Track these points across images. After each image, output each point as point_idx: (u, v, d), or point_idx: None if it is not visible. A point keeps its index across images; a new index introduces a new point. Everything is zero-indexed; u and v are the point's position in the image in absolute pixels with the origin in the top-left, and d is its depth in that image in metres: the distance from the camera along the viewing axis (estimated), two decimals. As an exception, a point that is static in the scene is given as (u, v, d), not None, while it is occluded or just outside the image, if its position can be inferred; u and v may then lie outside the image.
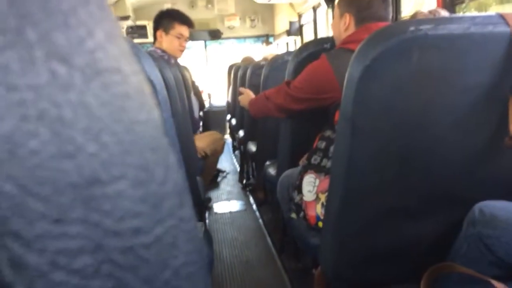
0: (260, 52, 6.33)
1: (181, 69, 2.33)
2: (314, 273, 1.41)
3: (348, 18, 1.44)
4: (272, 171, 2.13)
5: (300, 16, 5.79)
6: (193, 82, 3.19)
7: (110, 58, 0.18)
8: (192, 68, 3.65)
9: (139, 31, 5.96)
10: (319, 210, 1.26)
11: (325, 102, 1.39)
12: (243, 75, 3.22)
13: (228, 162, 4.63)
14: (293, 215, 1.36)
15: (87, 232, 0.17)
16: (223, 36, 6.66)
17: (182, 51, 2.50)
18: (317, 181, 1.29)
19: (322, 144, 1.34)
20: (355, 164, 0.94)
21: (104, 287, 0.18)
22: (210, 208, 3.19)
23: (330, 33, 1.61)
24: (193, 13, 2.49)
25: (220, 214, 3.09)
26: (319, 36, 5.02)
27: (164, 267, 0.21)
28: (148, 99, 0.20)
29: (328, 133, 1.34)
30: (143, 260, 0.20)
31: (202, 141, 2.55)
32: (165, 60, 2.23)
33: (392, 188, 0.97)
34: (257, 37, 7.05)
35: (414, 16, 1.55)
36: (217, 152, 2.79)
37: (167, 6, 2.62)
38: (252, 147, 2.88)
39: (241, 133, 3.44)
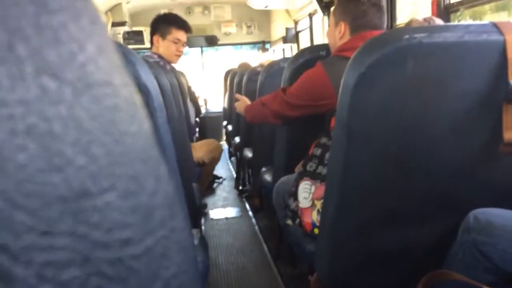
0: (256, 59, 6.34)
1: (177, 75, 2.33)
2: (310, 280, 1.41)
3: (343, 27, 1.45)
4: (268, 177, 2.12)
5: (296, 23, 5.81)
6: (189, 88, 3.19)
7: (101, 71, 0.18)
8: (188, 74, 3.65)
9: (136, 37, 5.96)
10: (314, 217, 1.26)
11: (321, 109, 1.39)
12: (240, 81, 3.22)
13: (224, 169, 4.62)
14: (289, 222, 1.36)
15: (75, 244, 0.17)
16: (219, 42, 6.66)
17: (179, 56, 2.47)
18: (313, 188, 1.29)
19: (318, 151, 1.34)
20: (350, 170, 0.94)
21: None
22: (206, 214, 3.18)
23: (326, 40, 1.62)
24: (190, 19, 2.48)
25: (216, 220, 3.08)
26: (315, 43, 5.04)
27: (155, 278, 0.20)
28: (139, 110, 0.20)
29: (323, 140, 1.34)
30: (133, 271, 0.19)
31: (200, 150, 2.53)
32: (161, 66, 2.22)
33: (387, 194, 0.97)
34: (254, 44, 7.07)
35: (409, 23, 1.57)
36: (215, 160, 2.79)
37: (163, 11, 2.61)
38: (248, 154, 2.88)
39: (237, 139, 3.44)
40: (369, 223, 1.00)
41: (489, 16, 2.28)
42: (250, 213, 3.16)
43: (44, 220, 0.16)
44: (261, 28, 6.94)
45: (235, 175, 4.08)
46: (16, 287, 0.16)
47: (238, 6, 6.51)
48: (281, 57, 6.14)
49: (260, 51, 6.87)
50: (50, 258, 0.17)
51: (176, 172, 0.96)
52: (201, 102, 4.95)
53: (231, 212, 3.23)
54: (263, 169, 2.29)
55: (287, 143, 1.78)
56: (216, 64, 7.13)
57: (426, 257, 1.05)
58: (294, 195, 1.35)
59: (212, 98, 6.50)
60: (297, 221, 1.32)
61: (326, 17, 4.23)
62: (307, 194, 1.30)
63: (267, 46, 6.92)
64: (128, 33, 5.88)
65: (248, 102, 1.95)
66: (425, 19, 1.51)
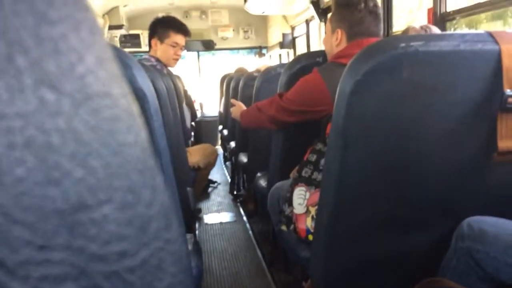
0: (253, 64, 6.35)
1: (173, 78, 2.32)
2: (304, 286, 1.41)
3: (340, 34, 1.46)
4: (263, 182, 2.12)
5: (293, 28, 5.83)
6: (185, 92, 3.18)
7: (100, 82, 0.18)
8: (185, 78, 3.65)
9: (133, 40, 5.96)
10: (309, 223, 1.26)
11: (318, 114, 1.40)
12: (236, 86, 3.23)
13: (219, 173, 4.62)
14: (284, 227, 1.36)
15: (72, 258, 0.17)
16: (216, 46, 6.68)
17: (176, 60, 2.44)
18: (308, 194, 1.29)
19: (313, 157, 1.34)
20: (345, 177, 0.94)
21: None
22: (200, 219, 3.17)
23: (322, 47, 1.62)
24: (187, 24, 2.47)
25: (210, 225, 3.07)
26: (311, 49, 5.06)
27: None
28: (137, 120, 0.20)
29: (319, 146, 1.35)
30: (128, 284, 0.19)
31: (196, 154, 2.52)
32: (158, 69, 2.21)
33: (382, 201, 0.97)
34: (250, 49, 7.09)
35: (406, 31, 1.58)
36: (210, 165, 2.78)
37: (161, 15, 2.60)
38: (244, 158, 2.87)
39: (232, 144, 3.44)
40: (364, 230, 1.00)
41: (485, 25, 2.30)
42: (245, 218, 3.15)
43: (41, 234, 0.16)
44: (258, 33, 6.96)
45: (230, 180, 4.07)
46: None
47: (235, 11, 6.53)
48: (278, 62, 6.16)
49: (257, 56, 6.89)
50: (47, 272, 0.17)
51: (171, 176, 0.96)
52: (197, 106, 4.95)
53: (226, 217, 3.23)
54: (258, 174, 2.28)
55: (282, 148, 1.78)
56: (212, 68, 7.13)
57: (420, 264, 1.05)
58: (289, 201, 1.35)
59: (208, 102, 6.50)
60: (292, 227, 1.32)
61: (323, 24, 4.25)
62: (302, 200, 1.30)
63: (264, 51, 6.94)
64: (125, 36, 5.88)
65: (244, 107, 1.95)
66: (421, 27, 1.53)
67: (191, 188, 1.88)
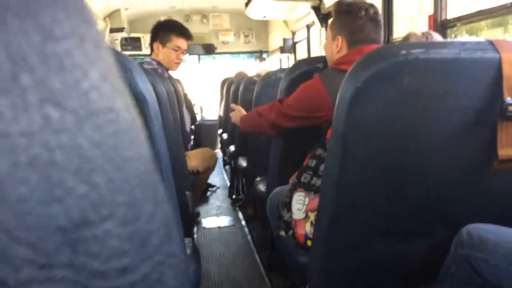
0: (253, 68, 6.36)
1: (173, 82, 2.32)
2: (301, 292, 1.40)
3: (340, 41, 1.46)
4: (262, 187, 2.12)
5: (293, 33, 5.85)
6: (185, 95, 3.18)
7: (103, 97, 0.18)
8: (185, 81, 3.65)
9: (133, 43, 5.98)
10: (308, 228, 1.25)
11: (318, 120, 1.40)
12: (236, 90, 3.23)
13: (218, 177, 4.61)
14: (282, 233, 1.36)
15: (74, 275, 0.17)
16: (217, 50, 6.69)
17: (178, 63, 2.43)
18: (307, 200, 1.29)
19: (313, 163, 1.34)
20: (345, 183, 0.94)
21: None
22: (198, 223, 3.17)
23: (323, 52, 1.63)
24: (188, 27, 2.47)
25: (208, 229, 3.06)
26: (312, 54, 5.07)
27: None
28: (139, 134, 0.20)
29: (319, 151, 1.34)
30: None
31: (195, 159, 2.52)
32: (158, 73, 2.21)
33: (381, 207, 0.97)
34: (251, 53, 7.10)
35: (407, 37, 1.57)
36: (209, 169, 2.77)
37: (163, 18, 2.60)
38: (243, 163, 2.87)
39: (232, 148, 3.43)
40: (363, 236, 1.00)
41: (485, 32, 2.30)
42: (243, 222, 3.15)
43: (43, 253, 0.16)
44: (259, 37, 6.98)
45: (229, 184, 4.07)
46: None
47: (236, 16, 6.55)
48: (278, 67, 6.17)
49: (257, 60, 6.90)
50: None
51: (170, 180, 0.96)
52: (196, 110, 4.95)
53: (224, 221, 3.22)
54: (258, 178, 2.28)
55: (282, 153, 1.78)
56: (213, 72, 7.14)
57: (419, 271, 1.05)
58: (288, 206, 1.34)
59: (208, 106, 6.50)
60: (290, 232, 1.31)
61: (323, 29, 4.26)
62: (301, 205, 1.30)
63: (264, 55, 6.96)
64: (126, 39, 5.90)
65: (244, 112, 1.95)
66: (423, 33, 1.52)
67: (190, 192, 1.88)
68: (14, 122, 0.15)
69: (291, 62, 5.84)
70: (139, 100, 0.79)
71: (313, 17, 4.35)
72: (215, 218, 3.30)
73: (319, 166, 1.32)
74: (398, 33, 2.87)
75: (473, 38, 2.30)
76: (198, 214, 3.32)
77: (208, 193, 3.95)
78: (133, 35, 6.00)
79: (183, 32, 2.39)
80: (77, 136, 0.17)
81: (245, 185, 3.34)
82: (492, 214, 0.98)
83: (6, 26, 0.15)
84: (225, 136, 4.11)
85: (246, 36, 6.95)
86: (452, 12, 2.26)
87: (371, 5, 1.47)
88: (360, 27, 1.43)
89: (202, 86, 7.09)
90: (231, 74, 5.24)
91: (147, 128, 0.79)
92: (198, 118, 5.10)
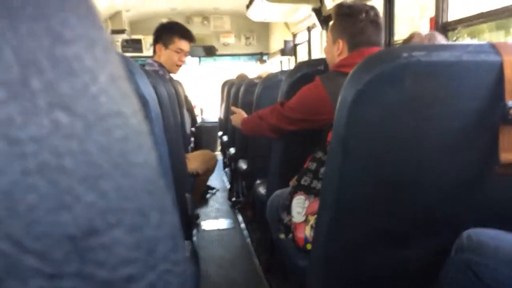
0: (254, 70, 6.37)
1: (174, 84, 2.32)
2: (301, 296, 1.39)
3: (341, 44, 1.46)
4: (262, 190, 2.11)
5: (294, 36, 5.85)
6: (185, 97, 3.18)
7: (112, 101, 0.18)
8: (185, 83, 3.65)
9: (134, 45, 5.99)
10: (308, 232, 1.25)
11: (319, 123, 1.40)
12: (236, 92, 3.23)
13: (218, 179, 4.60)
14: (282, 236, 1.35)
15: (81, 285, 0.17)
16: (217, 52, 6.70)
17: (180, 66, 2.44)
18: (307, 203, 1.29)
19: (313, 166, 1.34)
20: (345, 186, 0.94)
21: None
22: (198, 225, 3.16)
23: (323, 54, 1.62)
24: (189, 29, 2.47)
25: (207, 231, 3.06)
26: (312, 56, 5.07)
27: None
28: (146, 140, 0.20)
29: (319, 154, 1.34)
30: None
31: (195, 161, 2.51)
32: (160, 75, 2.21)
33: (382, 211, 0.97)
34: (252, 55, 7.11)
35: (411, 37, 1.55)
36: (209, 171, 2.77)
37: (163, 21, 2.60)
38: (243, 165, 2.87)
39: (232, 150, 3.43)
40: (363, 240, 0.99)
41: (487, 34, 2.30)
42: (243, 225, 3.14)
43: (52, 263, 0.16)
44: (260, 39, 6.99)
45: (228, 186, 4.06)
46: None
47: (237, 18, 6.56)
48: (279, 69, 6.17)
49: (258, 62, 6.91)
50: None
51: (170, 182, 0.95)
52: (197, 112, 4.95)
53: (224, 223, 3.21)
54: (257, 181, 2.28)
55: (282, 156, 1.77)
56: (213, 74, 7.15)
57: (419, 275, 1.04)
58: (288, 209, 1.34)
59: (208, 107, 6.50)
60: (290, 235, 1.31)
61: (324, 31, 4.26)
62: (301, 208, 1.29)
63: (265, 57, 6.96)
64: (127, 41, 5.91)
65: (245, 115, 1.95)
66: (425, 35, 1.51)
67: (189, 194, 1.87)
68: (24, 128, 0.15)
69: (292, 64, 5.85)
70: (141, 103, 0.79)
71: (314, 19, 4.36)
72: (215, 220, 3.30)
73: (319, 169, 1.31)
74: (400, 35, 2.87)
75: (474, 41, 2.30)
76: (197, 217, 3.31)
77: (208, 195, 3.95)
78: (134, 37, 6.01)
79: (186, 35, 2.39)
80: (85, 141, 0.17)
81: (245, 188, 3.34)
82: (492, 219, 0.97)
83: (16, 29, 0.15)
84: (225, 138, 4.11)
85: (247, 38, 6.95)
86: (453, 14, 2.26)
87: (372, 8, 1.47)
88: (361, 30, 1.43)
89: (202, 88, 7.09)
90: (232, 76, 5.24)
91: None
92: (199, 120, 5.10)
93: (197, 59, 6.94)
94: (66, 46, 0.17)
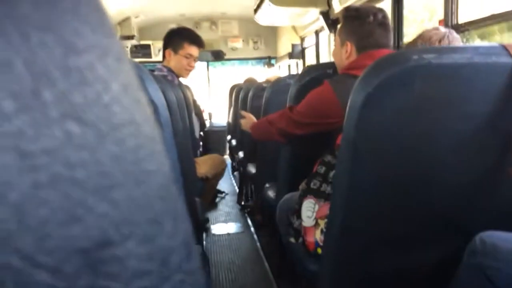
0: (262, 74, 6.37)
1: (183, 89, 2.33)
2: (311, 300, 1.38)
3: (349, 46, 1.45)
4: (271, 193, 2.11)
5: (302, 39, 5.85)
6: (194, 101, 3.19)
7: (124, 110, 0.18)
8: (193, 87, 3.66)
9: (143, 50, 6.03)
10: (318, 236, 1.24)
11: (328, 126, 1.39)
12: (245, 96, 3.23)
13: (227, 183, 4.60)
14: (292, 240, 1.35)
15: None
16: (225, 57, 6.72)
17: (189, 71, 2.45)
18: (317, 207, 1.28)
19: (322, 169, 1.33)
20: (356, 189, 0.93)
21: None
22: (207, 230, 3.16)
23: (331, 57, 1.62)
24: (197, 34, 2.49)
25: (217, 235, 3.05)
26: (321, 60, 5.06)
27: None
28: (159, 146, 0.19)
29: (328, 158, 1.34)
30: None
31: (204, 165, 2.51)
32: (169, 80, 2.22)
33: (393, 215, 0.96)
34: (259, 59, 7.11)
35: (419, 37, 1.52)
36: (218, 175, 2.77)
37: (172, 26, 2.61)
38: (252, 169, 2.86)
39: (240, 154, 3.43)
40: (374, 244, 0.99)
41: (497, 36, 2.28)
42: (252, 229, 3.13)
43: (64, 277, 0.16)
44: (268, 43, 6.99)
45: (237, 190, 4.06)
46: None
47: (245, 22, 6.58)
48: (287, 72, 6.17)
49: (266, 66, 6.91)
50: None
51: (180, 187, 0.96)
52: (205, 116, 4.96)
53: (233, 227, 3.21)
54: (267, 185, 2.27)
55: (291, 159, 1.77)
56: (221, 78, 7.17)
57: (431, 279, 1.03)
58: (298, 213, 1.33)
59: (217, 111, 6.51)
60: (300, 240, 1.30)
61: (332, 34, 4.26)
62: (311, 212, 1.29)
63: (273, 61, 6.96)
64: (136, 46, 5.95)
65: (254, 119, 1.94)
66: (442, 32, 1.45)
67: (199, 198, 1.87)
68: (35, 140, 0.15)
69: (300, 68, 5.84)
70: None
71: (321, 22, 4.35)
72: (224, 224, 3.29)
73: (329, 173, 1.31)
74: (408, 38, 2.86)
75: (485, 43, 2.29)
76: (207, 221, 3.31)
77: (217, 199, 3.95)
78: (142, 42, 6.05)
79: (196, 40, 2.40)
80: (97, 151, 0.16)
81: (254, 192, 3.34)
82: (505, 222, 0.96)
83: (27, 40, 0.15)
84: (234, 142, 4.11)
85: (255, 42, 6.97)
86: (463, 16, 2.24)
87: (380, 10, 1.46)
88: (369, 32, 1.42)
89: (210, 92, 7.11)
90: (240, 80, 5.25)
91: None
92: (207, 124, 5.11)
93: (205, 63, 6.96)
94: (79, 56, 0.17)
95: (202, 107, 3.84)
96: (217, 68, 7.26)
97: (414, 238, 0.99)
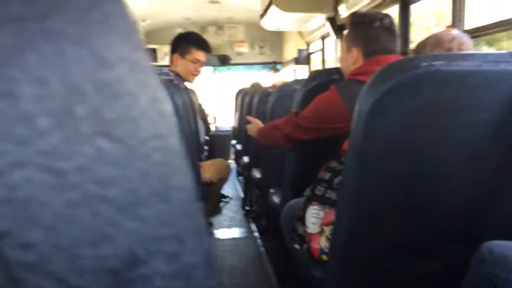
0: (267, 79, 6.38)
1: (189, 93, 2.33)
2: (316, 307, 1.37)
3: (355, 52, 1.45)
4: (276, 199, 2.10)
5: (308, 44, 5.85)
6: (199, 106, 3.19)
7: (151, 124, 0.18)
8: (199, 91, 3.66)
9: (149, 54, 6.06)
10: (323, 243, 1.23)
11: (334, 132, 1.38)
12: (250, 101, 3.23)
13: (231, 188, 4.60)
14: (297, 246, 1.34)
15: None
16: (231, 61, 6.73)
17: (196, 76, 2.46)
18: (321, 213, 1.27)
19: (327, 175, 1.32)
20: (362, 196, 0.93)
21: None
22: (211, 234, 3.15)
23: (337, 63, 1.62)
24: (203, 38, 2.50)
25: (221, 240, 3.05)
26: (326, 65, 5.06)
27: None
28: (183, 161, 0.19)
29: (333, 164, 1.33)
30: None
31: (209, 170, 2.51)
32: (175, 84, 2.22)
33: (399, 222, 0.96)
34: (265, 64, 7.13)
35: (430, 37, 1.49)
36: (223, 180, 2.76)
37: (178, 30, 2.62)
38: (257, 174, 2.86)
39: (245, 159, 3.43)
40: (380, 252, 0.98)
41: (505, 43, 2.27)
42: (256, 234, 3.12)
43: None
44: (274, 48, 7.01)
45: (242, 195, 4.05)
46: None
47: (251, 27, 6.59)
48: (292, 78, 6.18)
49: (272, 71, 6.92)
50: None
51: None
52: (210, 120, 4.96)
53: (237, 232, 3.20)
54: (271, 190, 2.26)
55: (296, 165, 1.76)
56: (227, 83, 7.18)
57: (437, 287, 1.02)
58: (302, 220, 1.33)
59: (222, 116, 6.52)
60: (305, 246, 1.29)
61: (338, 40, 4.26)
62: (316, 219, 1.28)
63: (279, 66, 6.97)
64: (142, 50, 5.97)
65: (261, 124, 1.94)
66: (453, 35, 1.43)
67: (203, 203, 1.87)
68: (68, 158, 0.15)
69: (306, 73, 5.85)
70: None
71: (328, 28, 4.35)
72: (228, 229, 3.29)
73: (334, 179, 1.30)
74: (416, 44, 2.85)
75: (492, 50, 2.28)
76: (211, 225, 3.31)
77: (221, 204, 3.94)
78: (148, 46, 6.08)
79: (203, 45, 2.41)
80: (126, 167, 0.16)
81: (258, 197, 3.33)
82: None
83: (63, 55, 0.15)
84: (238, 147, 4.11)
85: (261, 47, 6.98)
86: (470, 23, 2.23)
87: (386, 15, 1.45)
88: (375, 38, 1.41)
89: (216, 96, 7.12)
90: (245, 85, 5.25)
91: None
92: (212, 128, 5.12)
93: (211, 68, 6.98)
94: (109, 69, 0.16)
95: (207, 112, 3.85)
96: (223, 72, 7.27)
97: (421, 245, 0.99)
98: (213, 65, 6.77)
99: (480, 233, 0.94)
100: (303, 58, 5.83)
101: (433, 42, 1.37)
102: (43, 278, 0.14)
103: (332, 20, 4.24)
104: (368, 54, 1.43)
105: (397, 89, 0.82)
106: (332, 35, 4.34)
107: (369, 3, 3.22)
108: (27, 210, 0.14)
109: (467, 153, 0.90)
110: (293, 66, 6.21)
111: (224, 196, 4.05)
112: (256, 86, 4.49)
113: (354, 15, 1.50)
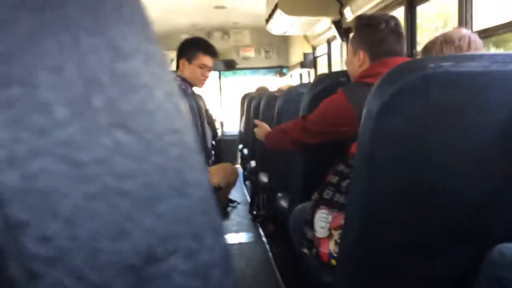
0: (274, 83, 6.39)
1: (196, 98, 2.33)
2: (325, 312, 1.36)
3: (362, 55, 1.45)
4: (284, 203, 2.10)
5: (314, 48, 5.85)
6: (206, 111, 3.20)
7: (167, 118, 0.18)
8: (205, 96, 3.68)
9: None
10: (332, 247, 1.23)
11: (342, 135, 1.38)
12: (257, 105, 3.23)
13: (238, 192, 4.59)
14: (305, 250, 1.33)
15: None
16: (237, 66, 6.75)
17: (204, 80, 2.47)
18: (330, 217, 1.27)
19: (335, 179, 1.32)
20: (371, 199, 0.92)
21: None
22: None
23: (344, 66, 1.61)
24: (209, 44, 2.52)
25: (228, 245, 3.04)
26: (333, 69, 5.06)
27: None
28: (199, 157, 0.19)
29: (341, 167, 1.32)
30: None
31: (216, 175, 2.51)
32: (182, 89, 2.23)
33: (409, 225, 0.95)
34: (271, 68, 7.14)
35: (441, 34, 1.48)
36: (230, 185, 2.76)
37: (184, 36, 2.63)
38: (264, 178, 2.85)
39: (252, 163, 3.42)
40: (390, 255, 0.97)
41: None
42: (264, 239, 3.12)
43: None
44: (280, 53, 7.02)
45: (249, 200, 4.05)
46: None
47: (257, 31, 6.61)
48: (299, 81, 6.18)
49: (277, 75, 6.93)
50: None
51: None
52: (217, 125, 4.98)
53: (245, 237, 3.20)
54: (279, 194, 2.26)
55: (303, 169, 1.76)
56: (233, 87, 7.19)
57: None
58: (310, 224, 1.32)
59: (229, 120, 6.53)
60: (314, 251, 1.29)
61: (344, 43, 4.25)
62: (324, 223, 1.27)
63: (284, 70, 6.98)
64: (147, 56, 6.00)
65: (268, 128, 1.94)
66: (462, 34, 1.40)
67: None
68: (87, 149, 0.15)
69: (312, 77, 5.84)
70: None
71: (333, 31, 4.35)
72: (235, 234, 3.28)
73: (342, 183, 1.30)
74: (422, 46, 2.84)
75: (502, 51, 2.26)
76: (218, 230, 3.30)
77: (229, 208, 3.94)
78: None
79: (210, 51, 2.41)
80: (144, 161, 0.16)
81: (265, 201, 3.32)
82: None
83: (79, 44, 0.15)
84: (245, 151, 4.11)
85: (267, 51, 7.00)
86: (477, 24, 2.22)
87: (392, 17, 1.45)
88: (381, 40, 1.41)
89: (222, 101, 7.14)
90: (251, 89, 5.26)
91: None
92: (219, 133, 5.13)
93: (217, 72, 7.00)
94: (126, 61, 0.16)
95: (214, 116, 3.86)
96: (229, 77, 7.29)
97: (431, 248, 0.98)
98: (219, 70, 6.79)
99: (491, 235, 0.94)
100: (309, 62, 5.83)
101: (443, 39, 1.36)
102: (62, 273, 0.14)
103: (338, 23, 4.24)
104: (374, 56, 1.43)
105: (406, 90, 0.82)
106: (338, 38, 4.34)
107: (374, 6, 3.22)
108: (47, 200, 0.14)
109: (476, 154, 0.89)
110: (299, 70, 6.21)
111: (232, 201, 4.05)
112: (261, 91, 4.49)
113: (359, 18, 1.50)
